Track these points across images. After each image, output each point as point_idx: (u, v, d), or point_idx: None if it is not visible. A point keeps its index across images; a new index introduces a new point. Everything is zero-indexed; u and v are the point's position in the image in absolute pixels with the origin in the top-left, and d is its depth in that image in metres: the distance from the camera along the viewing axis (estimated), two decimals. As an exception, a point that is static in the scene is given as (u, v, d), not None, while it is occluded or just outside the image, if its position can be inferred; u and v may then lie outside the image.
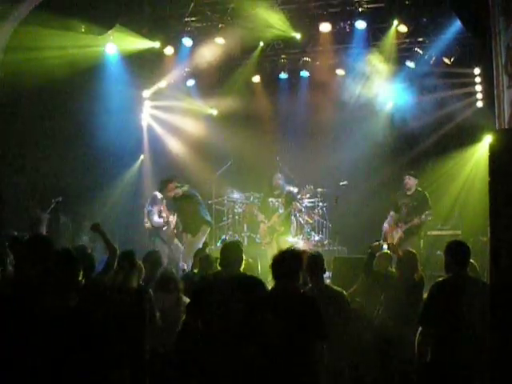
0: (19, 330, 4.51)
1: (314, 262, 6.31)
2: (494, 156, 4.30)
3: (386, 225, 11.42)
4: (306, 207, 13.29)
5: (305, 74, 14.12)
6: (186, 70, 14.29)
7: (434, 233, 11.93)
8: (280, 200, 12.03)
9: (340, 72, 13.73)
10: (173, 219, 11.64)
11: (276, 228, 11.84)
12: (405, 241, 11.01)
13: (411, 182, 11.39)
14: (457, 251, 5.91)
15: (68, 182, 12.73)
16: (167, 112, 14.46)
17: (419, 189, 11.41)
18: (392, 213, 11.45)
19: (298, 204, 12.26)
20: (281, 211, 11.99)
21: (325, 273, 6.50)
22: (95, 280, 6.17)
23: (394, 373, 6.53)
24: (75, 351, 4.49)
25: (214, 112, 15.04)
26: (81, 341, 4.54)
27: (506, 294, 4.10)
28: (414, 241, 11.07)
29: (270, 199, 12.14)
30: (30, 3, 11.25)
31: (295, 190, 12.68)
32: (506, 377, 4.12)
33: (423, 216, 11.00)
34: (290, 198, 12.01)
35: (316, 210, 13.30)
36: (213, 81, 14.19)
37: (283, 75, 14.41)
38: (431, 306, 5.81)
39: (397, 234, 11.19)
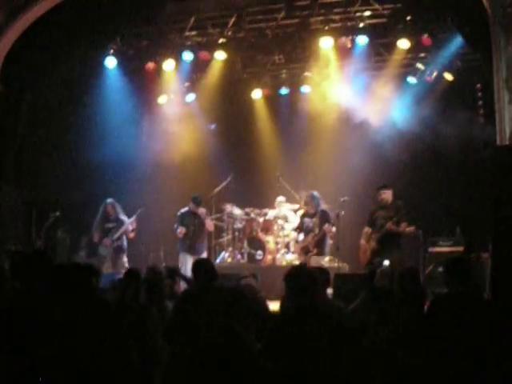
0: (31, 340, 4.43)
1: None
2: (496, 173, 4.23)
3: (362, 241, 11.08)
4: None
5: (306, 88, 14.07)
6: (186, 84, 14.25)
7: (436, 249, 11.78)
8: (314, 220, 11.89)
9: (342, 87, 13.64)
10: None
11: (310, 249, 11.77)
12: (380, 251, 10.63)
13: (387, 195, 10.97)
14: (455, 267, 5.79)
15: (66, 196, 12.63)
16: (167, 126, 14.36)
17: (397, 201, 11.01)
18: (366, 228, 11.08)
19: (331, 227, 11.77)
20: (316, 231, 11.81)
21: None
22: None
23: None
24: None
25: (214, 127, 14.94)
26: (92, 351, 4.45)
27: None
28: (391, 250, 10.53)
29: (305, 219, 12.05)
30: (31, 15, 11.25)
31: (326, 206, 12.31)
32: None
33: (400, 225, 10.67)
34: (324, 218, 11.83)
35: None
36: (213, 95, 14.12)
37: (284, 90, 14.39)
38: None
39: (369, 247, 10.86)
